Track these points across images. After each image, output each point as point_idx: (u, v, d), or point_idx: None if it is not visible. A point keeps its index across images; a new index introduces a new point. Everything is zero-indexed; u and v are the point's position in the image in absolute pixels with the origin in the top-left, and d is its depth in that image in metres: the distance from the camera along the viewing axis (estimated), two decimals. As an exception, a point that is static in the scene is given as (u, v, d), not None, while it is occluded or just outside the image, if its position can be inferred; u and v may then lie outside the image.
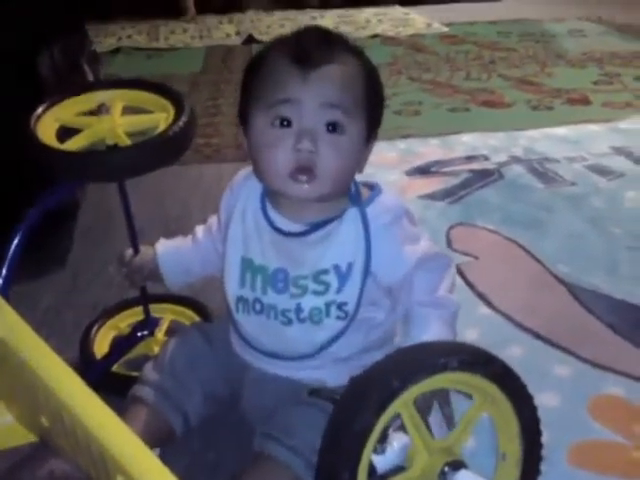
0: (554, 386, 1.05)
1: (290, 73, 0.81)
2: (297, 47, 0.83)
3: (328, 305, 0.86)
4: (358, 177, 0.90)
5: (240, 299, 0.90)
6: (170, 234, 1.06)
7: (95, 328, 1.17)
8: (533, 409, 0.77)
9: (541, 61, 2.94)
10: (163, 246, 1.04)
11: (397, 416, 0.71)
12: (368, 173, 0.91)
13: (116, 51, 3.30)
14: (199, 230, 1.02)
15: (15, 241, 0.96)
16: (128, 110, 1.05)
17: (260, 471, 0.82)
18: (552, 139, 2.04)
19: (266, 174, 0.84)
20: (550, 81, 2.65)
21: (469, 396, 0.76)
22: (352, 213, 0.86)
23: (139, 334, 1.14)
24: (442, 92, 2.55)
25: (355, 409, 0.68)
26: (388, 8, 4.16)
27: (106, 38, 3.49)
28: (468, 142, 2.03)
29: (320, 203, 0.85)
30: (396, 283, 0.88)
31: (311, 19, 3.89)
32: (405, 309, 0.89)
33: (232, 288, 0.90)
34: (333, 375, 0.87)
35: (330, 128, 0.81)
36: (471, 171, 1.82)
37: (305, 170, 0.81)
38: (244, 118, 0.87)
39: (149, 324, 1.15)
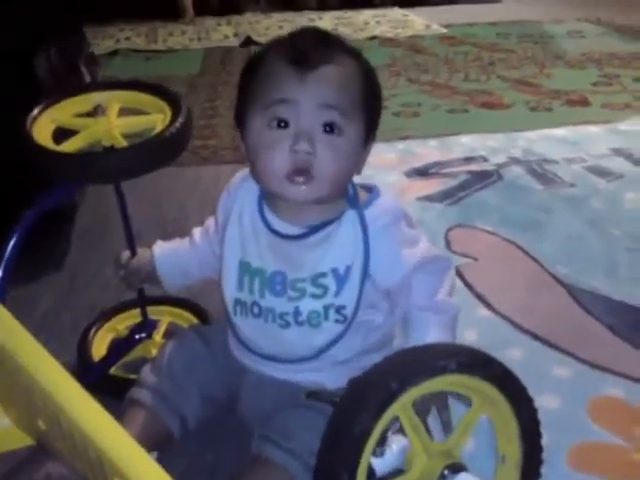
0: (553, 387, 1.04)
1: (287, 74, 0.81)
2: (294, 48, 0.82)
3: (327, 308, 0.86)
4: (356, 179, 0.89)
5: (238, 302, 0.89)
6: (167, 236, 1.06)
7: (93, 331, 1.17)
8: (533, 411, 0.77)
9: (540, 62, 2.93)
10: (160, 248, 1.03)
11: (396, 419, 0.70)
12: (367, 175, 0.90)
13: (114, 53, 3.30)
14: (196, 232, 1.02)
15: (12, 243, 0.96)
16: (126, 111, 1.05)
17: (258, 474, 0.82)
18: (551, 140, 2.03)
19: (263, 176, 0.84)
20: (549, 82, 2.65)
21: (467, 403, 0.76)
22: (350, 216, 0.86)
23: (137, 336, 1.14)
24: (441, 93, 2.55)
25: (354, 412, 0.68)
26: (387, 10, 4.16)
27: (104, 40, 3.49)
28: (467, 143, 2.03)
29: (318, 205, 0.84)
30: (394, 286, 0.88)
31: (309, 21, 3.89)
32: (404, 312, 0.89)
33: (230, 291, 0.90)
34: (332, 378, 0.87)
35: (327, 129, 0.81)
36: (470, 172, 1.82)
37: (302, 172, 0.80)
38: (241, 120, 0.86)
39: (147, 326, 1.15)
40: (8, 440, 0.89)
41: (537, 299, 1.28)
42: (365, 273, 0.85)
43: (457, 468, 0.72)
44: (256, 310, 0.88)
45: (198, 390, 0.92)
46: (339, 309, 0.86)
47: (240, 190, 0.92)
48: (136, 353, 1.13)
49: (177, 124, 0.96)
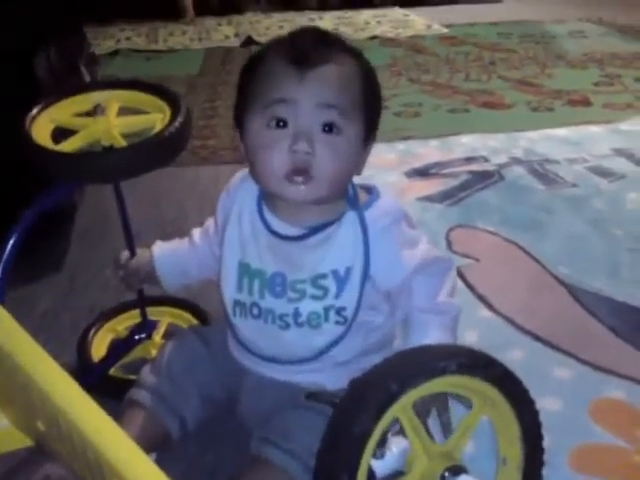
0: (555, 389, 1.04)
1: (286, 73, 0.80)
2: (294, 47, 0.82)
3: (327, 310, 0.85)
4: (356, 179, 0.89)
5: (237, 303, 0.89)
6: (166, 236, 1.06)
7: (92, 331, 1.16)
8: (534, 413, 0.76)
9: (541, 62, 2.93)
10: (159, 248, 1.03)
11: (397, 420, 0.70)
12: (367, 175, 0.90)
13: (115, 53, 3.30)
14: (196, 233, 1.01)
15: (10, 243, 0.95)
16: (125, 111, 1.04)
17: (257, 475, 0.82)
18: (552, 140, 2.03)
19: (262, 176, 0.83)
20: (550, 82, 2.64)
21: (468, 404, 0.76)
22: (350, 217, 0.85)
23: (136, 337, 1.14)
24: (442, 93, 2.54)
25: (354, 413, 0.68)
26: (387, 9, 4.16)
27: (105, 40, 3.49)
28: (468, 143, 2.02)
29: (317, 206, 0.84)
30: (394, 287, 0.88)
31: (310, 21, 3.88)
32: (405, 313, 0.89)
33: (229, 292, 0.90)
34: (332, 379, 0.86)
35: (326, 129, 0.80)
36: (471, 172, 1.82)
37: (301, 172, 0.80)
38: (240, 120, 0.86)
39: (147, 327, 1.14)
40: (7, 441, 0.88)
41: (539, 300, 1.28)
42: (365, 275, 0.85)
43: (458, 470, 0.71)
44: (256, 311, 0.88)
45: (198, 391, 0.92)
46: (339, 311, 0.85)
47: (239, 190, 0.91)
48: (136, 354, 1.13)
49: (176, 124, 0.95)
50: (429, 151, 1.97)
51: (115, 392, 0.95)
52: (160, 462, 0.59)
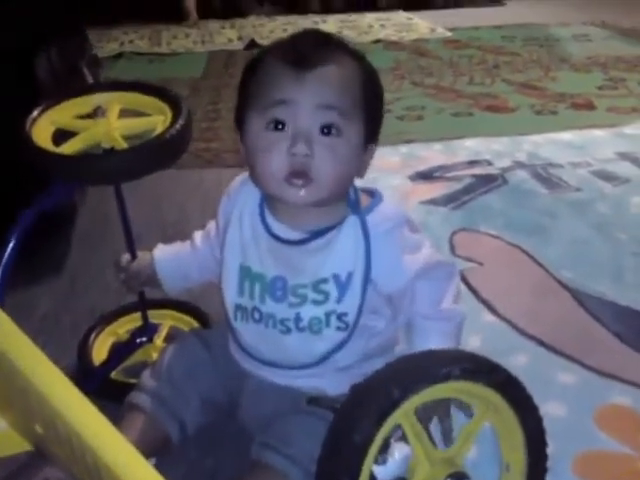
0: (559, 395, 1.03)
1: (285, 74, 0.80)
2: (293, 49, 0.81)
3: (328, 315, 0.84)
4: (359, 183, 0.88)
5: (238, 307, 0.88)
6: (168, 239, 1.05)
7: (93, 334, 1.16)
8: (538, 419, 0.76)
9: (545, 65, 2.93)
10: (161, 251, 1.02)
11: (399, 426, 0.69)
12: (370, 178, 0.89)
13: (118, 56, 3.30)
14: (197, 236, 1.01)
15: (10, 243, 0.94)
16: (126, 113, 1.04)
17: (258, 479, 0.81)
18: (556, 144, 2.02)
19: (261, 179, 0.83)
20: (554, 86, 2.64)
21: (469, 414, 0.75)
22: (352, 221, 0.85)
23: (138, 340, 1.13)
24: (445, 97, 2.54)
25: (355, 419, 0.67)
26: (391, 13, 4.16)
27: (108, 43, 3.50)
28: (471, 147, 2.02)
29: (318, 209, 0.83)
30: (396, 292, 0.87)
31: (313, 24, 3.88)
32: (408, 318, 0.88)
33: (230, 296, 0.89)
34: (333, 384, 0.85)
35: (326, 130, 0.79)
36: (474, 176, 1.81)
37: (300, 174, 0.79)
38: (240, 122, 0.85)
39: (148, 330, 1.14)
40: (6, 445, 0.88)
41: (543, 304, 1.27)
42: (367, 280, 0.84)
43: (460, 477, 0.71)
44: (257, 315, 0.87)
45: (198, 395, 0.91)
46: (340, 316, 0.84)
47: (240, 194, 0.90)
48: (137, 357, 1.12)
49: (177, 126, 0.95)
50: (433, 154, 1.97)
51: (116, 395, 0.95)
52: (160, 466, 0.59)
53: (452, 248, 1.46)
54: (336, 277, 0.84)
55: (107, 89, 1.07)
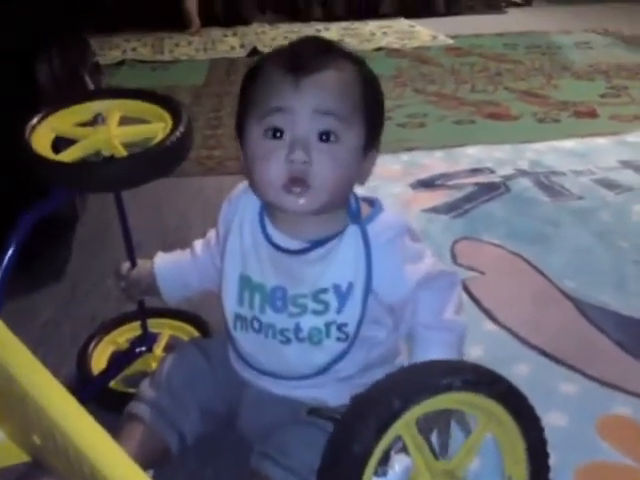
0: (561, 405, 1.02)
1: (283, 81, 0.79)
2: (291, 56, 0.81)
3: (328, 325, 0.84)
4: (360, 191, 0.87)
5: (238, 317, 0.88)
6: (169, 246, 1.05)
7: (93, 343, 1.15)
8: (540, 430, 0.75)
9: (547, 73, 2.92)
10: (161, 260, 1.02)
11: (399, 437, 0.68)
12: (371, 186, 0.88)
13: (121, 63, 3.30)
14: (197, 244, 1.00)
15: (10, 248, 0.94)
16: (128, 120, 1.03)
17: (257, 491, 0.80)
18: (559, 152, 2.02)
19: (260, 187, 0.82)
20: (556, 93, 2.63)
21: (467, 430, 0.74)
22: (352, 230, 0.84)
23: (137, 350, 1.12)
24: (447, 104, 2.53)
25: (355, 430, 0.66)
26: (393, 21, 4.16)
27: (111, 50, 3.50)
28: (473, 155, 2.01)
29: (318, 218, 0.82)
30: (398, 302, 0.86)
31: (315, 32, 3.88)
32: (409, 328, 0.87)
33: (230, 305, 0.88)
34: (334, 394, 0.85)
35: (324, 137, 0.79)
36: (476, 184, 1.80)
37: (298, 181, 0.78)
38: (240, 130, 0.85)
39: (147, 340, 1.13)
40: (3, 456, 0.87)
41: (544, 314, 1.26)
42: (368, 291, 0.83)
43: (461, 489, 0.70)
44: (256, 325, 0.86)
45: (197, 405, 0.91)
46: (341, 327, 0.84)
47: (241, 201, 0.90)
48: (136, 367, 1.11)
49: (177, 133, 0.94)
50: (434, 162, 1.96)
51: (115, 405, 0.94)
52: (159, 476, 0.58)
53: (453, 257, 1.46)
54: (336, 287, 0.83)
55: (107, 96, 1.07)
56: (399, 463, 0.70)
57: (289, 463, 0.79)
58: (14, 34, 1.32)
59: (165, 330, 1.17)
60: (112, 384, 1.08)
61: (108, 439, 0.60)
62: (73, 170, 0.94)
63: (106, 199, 1.12)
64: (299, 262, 0.84)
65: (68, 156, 0.96)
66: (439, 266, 0.89)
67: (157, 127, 0.99)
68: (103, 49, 3.41)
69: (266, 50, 3.31)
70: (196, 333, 1.17)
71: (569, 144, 2.07)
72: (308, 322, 0.84)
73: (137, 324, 1.15)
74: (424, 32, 3.80)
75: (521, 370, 1.10)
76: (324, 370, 0.85)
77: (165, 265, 1.01)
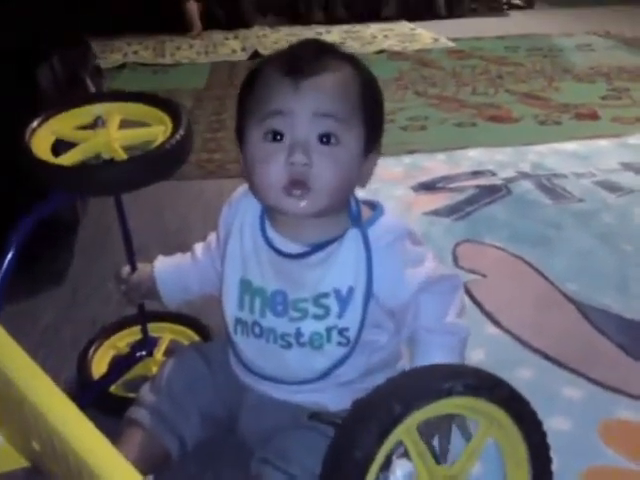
0: (563, 409, 1.02)
1: (282, 84, 0.79)
2: (290, 59, 0.81)
3: (329, 330, 0.83)
4: (361, 194, 0.87)
5: (238, 321, 0.87)
6: (169, 250, 1.04)
7: (93, 347, 1.15)
8: (542, 435, 0.75)
9: (549, 76, 2.92)
10: (161, 263, 1.02)
11: (401, 442, 0.68)
12: (373, 188, 0.88)
13: (122, 66, 3.31)
14: (198, 248, 1.00)
15: (9, 251, 0.93)
16: (129, 123, 1.03)
17: (257, 496, 0.80)
18: (560, 154, 2.01)
19: (260, 190, 0.82)
20: (558, 96, 2.63)
21: (467, 436, 0.74)
22: (353, 234, 0.83)
23: (137, 354, 1.12)
24: (448, 107, 2.53)
25: (356, 435, 0.66)
26: (394, 23, 4.16)
27: (112, 54, 3.51)
28: (475, 157, 2.01)
29: (319, 221, 0.82)
30: (399, 306, 0.85)
31: (317, 35, 3.88)
32: (411, 332, 0.86)
33: (230, 310, 0.88)
34: (335, 399, 0.84)
35: (324, 140, 0.78)
36: (478, 187, 1.80)
37: (299, 184, 0.78)
38: (240, 133, 0.85)
39: (148, 344, 1.13)
40: (2, 461, 0.87)
41: (547, 317, 1.26)
42: (368, 295, 0.83)
43: (464, 494, 0.69)
44: (257, 330, 0.86)
45: (198, 410, 0.90)
46: (342, 331, 0.83)
47: (241, 204, 0.89)
48: (136, 371, 1.11)
49: (177, 136, 0.94)
50: (436, 165, 1.96)
51: (115, 410, 0.94)
52: (159, 481, 0.58)
53: (455, 259, 1.45)
54: (337, 292, 0.82)
55: (107, 99, 1.06)
56: (401, 468, 0.70)
57: (290, 468, 0.78)
58: (14, 34, 1.32)
59: (165, 334, 1.17)
60: (112, 389, 1.08)
61: (107, 444, 0.60)
62: (73, 173, 0.94)
63: (107, 203, 1.12)
64: (299, 266, 0.84)
65: (68, 159, 0.95)
66: (441, 269, 0.88)
67: (157, 130, 0.98)
68: (104, 52, 3.42)
69: (267, 53, 3.31)
70: (196, 337, 1.17)
71: (570, 146, 2.07)
72: (309, 327, 0.83)
73: (137, 328, 1.14)
74: (425, 35, 3.81)
75: (523, 374, 1.09)
76: (325, 375, 0.84)
77: (165, 269, 1.01)
